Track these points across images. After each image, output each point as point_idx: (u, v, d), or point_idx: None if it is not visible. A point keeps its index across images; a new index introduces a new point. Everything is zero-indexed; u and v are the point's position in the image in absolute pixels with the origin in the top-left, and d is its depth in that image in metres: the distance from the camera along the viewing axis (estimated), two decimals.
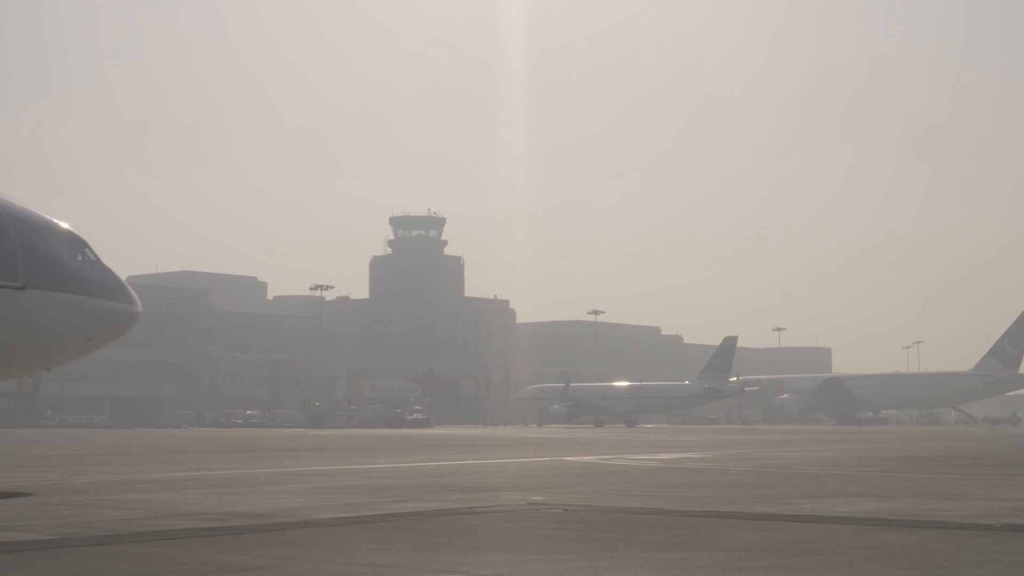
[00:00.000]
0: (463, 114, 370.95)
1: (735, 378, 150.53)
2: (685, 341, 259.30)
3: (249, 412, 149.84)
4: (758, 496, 18.62)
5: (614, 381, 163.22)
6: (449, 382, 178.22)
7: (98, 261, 22.82)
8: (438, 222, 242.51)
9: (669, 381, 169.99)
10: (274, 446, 51.00)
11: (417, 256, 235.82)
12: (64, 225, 22.46)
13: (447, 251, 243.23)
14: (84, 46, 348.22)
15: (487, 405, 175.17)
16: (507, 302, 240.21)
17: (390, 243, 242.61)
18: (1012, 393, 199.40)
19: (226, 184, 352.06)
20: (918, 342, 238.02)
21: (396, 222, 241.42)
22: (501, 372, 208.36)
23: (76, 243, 22.36)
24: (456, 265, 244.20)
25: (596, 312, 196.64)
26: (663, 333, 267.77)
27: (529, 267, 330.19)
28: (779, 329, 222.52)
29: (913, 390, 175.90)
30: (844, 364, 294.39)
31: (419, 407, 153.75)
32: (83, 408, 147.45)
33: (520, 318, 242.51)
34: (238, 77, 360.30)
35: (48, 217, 22.21)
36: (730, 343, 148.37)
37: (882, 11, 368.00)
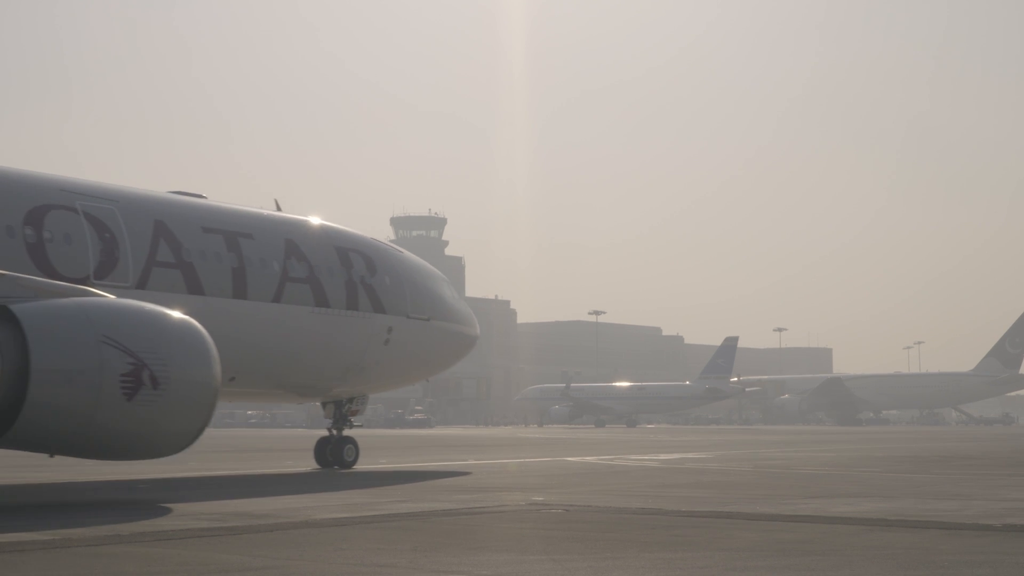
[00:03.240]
0: (464, 116, 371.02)
1: (736, 378, 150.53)
2: (686, 341, 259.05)
3: (250, 412, 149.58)
4: (759, 496, 18.60)
5: (615, 381, 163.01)
6: (450, 382, 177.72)
7: (458, 296, 29.84)
8: (439, 222, 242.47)
9: (670, 381, 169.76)
10: (275, 446, 51.01)
11: (418, 256, 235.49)
12: (438, 271, 29.34)
13: (448, 251, 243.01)
14: (84, 47, 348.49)
15: (488, 405, 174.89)
16: (508, 302, 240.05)
17: (391, 243, 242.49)
18: (1013, 393, 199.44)
19: (226, 184, 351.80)
20: (919, 342, 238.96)
21: (397, 222, 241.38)
22: (502, 372, 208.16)
23: (446, 283, 29.40)
24: (457, 265, 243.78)
25: (597, 312, 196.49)
26: (664, 333, 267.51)
27: (530, 267, 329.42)
28: (780, 329, 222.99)
29: (914, 390, 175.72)
30: (845, 364, 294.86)
31: (420, 407, 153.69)
32: None
33: (521, 318, 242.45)
34: (239, 78, 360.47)
35: (429, 265, 29.39)
36: (731, 343, 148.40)
37: (884, 13, 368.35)
